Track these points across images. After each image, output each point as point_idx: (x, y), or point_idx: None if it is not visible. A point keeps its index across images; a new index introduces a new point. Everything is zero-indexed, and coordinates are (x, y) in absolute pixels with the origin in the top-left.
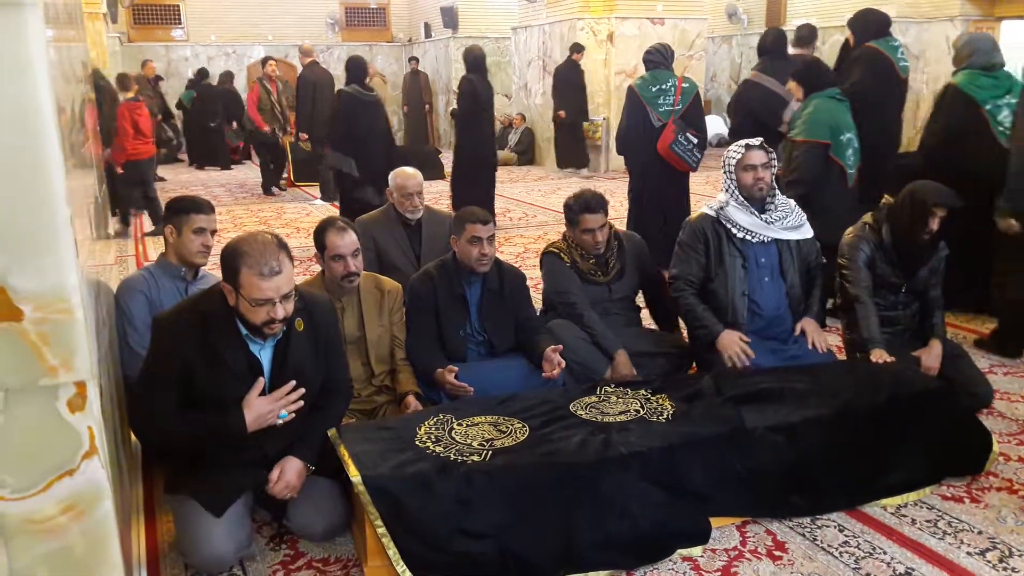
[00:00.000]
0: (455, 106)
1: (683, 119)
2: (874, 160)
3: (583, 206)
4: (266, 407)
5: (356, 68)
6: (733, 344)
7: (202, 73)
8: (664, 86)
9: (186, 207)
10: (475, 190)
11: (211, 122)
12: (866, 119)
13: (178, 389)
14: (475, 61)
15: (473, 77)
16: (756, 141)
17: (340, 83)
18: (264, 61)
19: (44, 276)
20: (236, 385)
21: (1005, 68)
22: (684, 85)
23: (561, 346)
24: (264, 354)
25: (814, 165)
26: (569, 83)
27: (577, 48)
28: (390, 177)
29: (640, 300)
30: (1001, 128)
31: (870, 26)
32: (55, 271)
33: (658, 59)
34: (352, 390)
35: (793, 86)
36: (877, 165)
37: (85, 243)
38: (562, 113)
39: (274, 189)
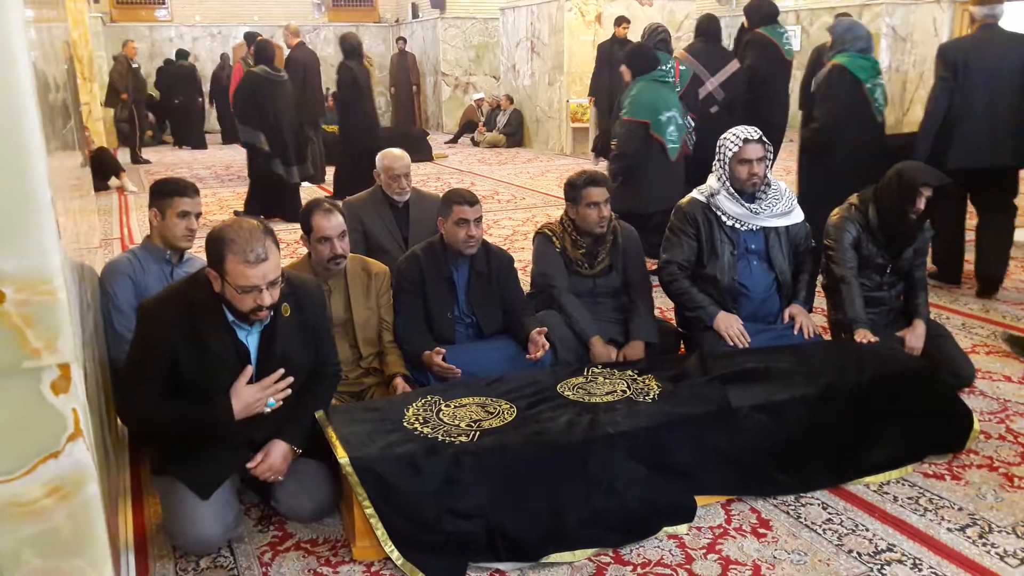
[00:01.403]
0: (335, 90)
1: (682, 101)
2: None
3: (587, 180)
4: (254, 395)
5: (265, 50)
6: (731, 325)
7: (180, 54)
8: (665, 67)
9: (170, 190)
10: (361, 175)
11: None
12: (759, 95)
13: (164, 377)
14: (352, 48)
15: (352, 64)
16: (755, 135)
17: (325, 64)
18: (251, 40)
19: (26, 258)
20: (223, 372)
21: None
22: (682, 68)
23: (546, 328)
24: (251, 340)
25: (634, 141)
26: (612, 63)
27: (621, 21)
28: (377, 158)
29: None
30: (877, 104)
31: (761, 14)
32: (37, 252)
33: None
34: (341, 373)
35: (624, 69)
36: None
37: (68, 225)
38: (591, 99)
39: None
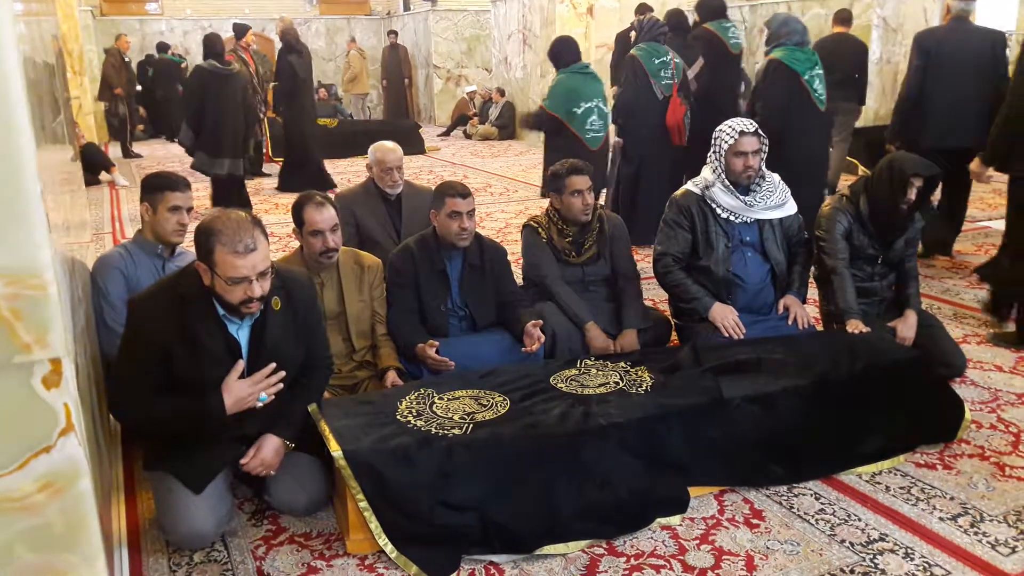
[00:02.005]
0: (276, 83)
1: (680, 92)
2: (718, 121)
3: (570, 169)
4: (246, 390)
5: (212, 44)
6: (727, 316)
7: (162, 47)
8: (665, 59)
9: (161, 184)
10: (306, 165)
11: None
12: (703, 89)
13: (156, 372)
14: (290, 43)
15: (291, 57)
16: (751, 127)
17: (316, 58)
18: (240, 32)
19: (16, 251)
20: (214, 366)
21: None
22: (676, 61)
23: (541, 321)
24: (242, 334)
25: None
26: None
27: (643, 9)
28: (370, 151)
29: None
30: (817, 95)
31: (710, 10)
32: (27, 246)
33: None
34: (333, 366)
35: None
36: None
37: (59, 219)
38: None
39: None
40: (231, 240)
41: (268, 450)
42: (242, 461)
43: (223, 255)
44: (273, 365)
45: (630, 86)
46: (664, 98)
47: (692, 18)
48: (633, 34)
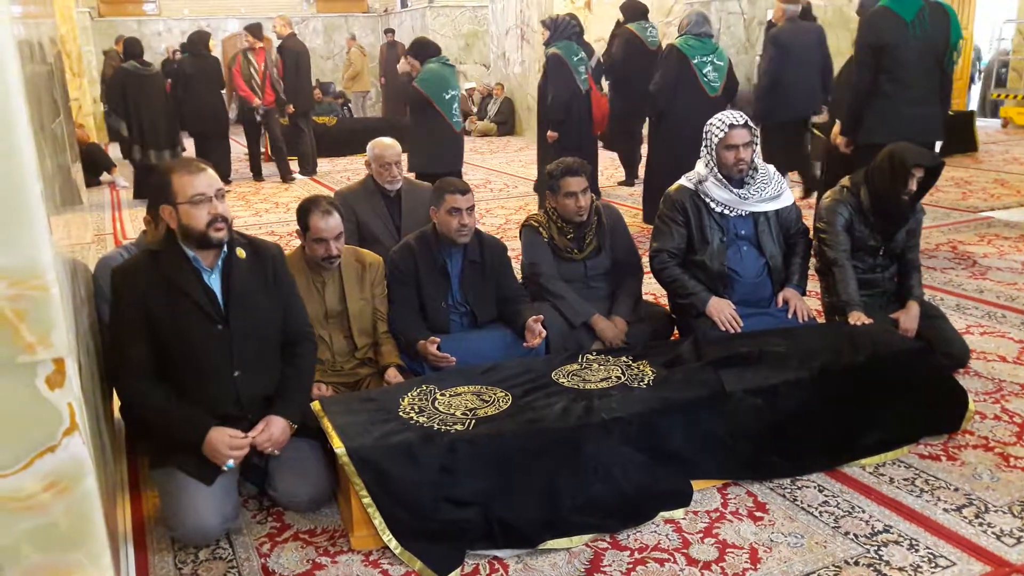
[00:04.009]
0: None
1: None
2: (636, 105)
3: (564, 170)
4: (227, 443)
5: (132, 47)
6: (724, 310)
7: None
8: (581, 55)
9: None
10: (211, 157)
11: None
12: (625, 76)
13: (146, 336)
14: (189, 43)
15: (184, 58)
16: (740, 120)
17: (314, 56)
18: (255, 32)
19: (17, 252)
20: (194, 317)
21: (713, 40)
22: (720, 63)
23: (542, 316)
24: (214, 282)
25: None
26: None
27: None
28: (368, 147)
29: None
30: (706, 80)
31: (632, 12)
32: (29, 247)
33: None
34: (314, 336)
35: (408, 59)
36: (639, 110)
37: (60, 220)
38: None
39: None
40: (183, 167)
41: (276, 427)
42: (251, 433)
43: (180, 180)
44: (261, 428)
45: (560, 83)
46: (586, 92)
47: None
48: (545, 33)
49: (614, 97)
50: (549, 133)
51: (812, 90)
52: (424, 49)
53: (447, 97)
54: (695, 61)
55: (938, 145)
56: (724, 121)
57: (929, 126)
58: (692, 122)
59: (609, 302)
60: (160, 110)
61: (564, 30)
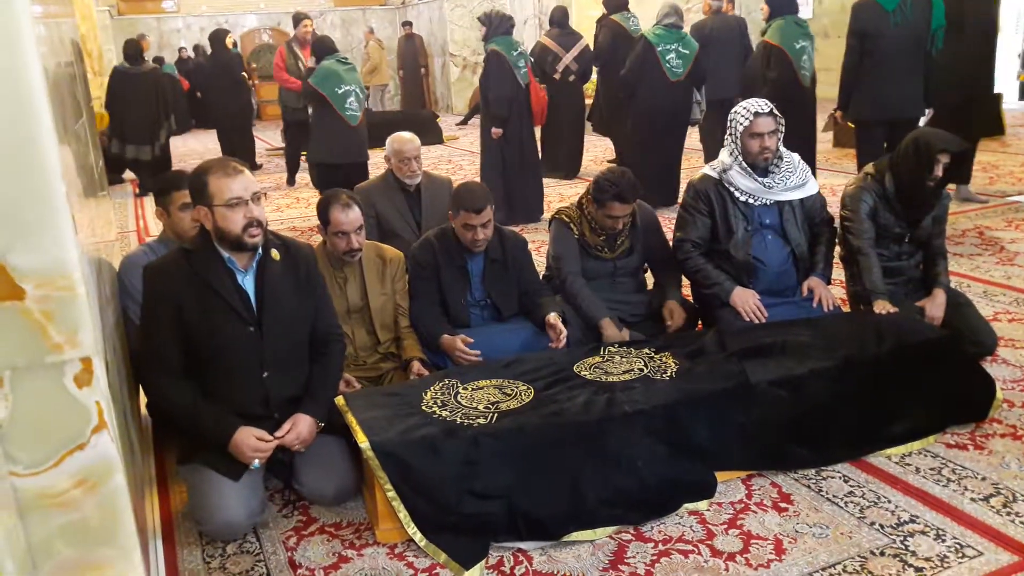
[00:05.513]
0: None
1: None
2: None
3: (615, 195)
4: (254, 444)
5: (127, 47)
6: (748, 300)
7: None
8: (520, 50)
9: (167, 186)
10: (235, 149)
11: None
12: (605, 68)
13: (177, 334)
14: (212, 40)
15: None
16: (765, 108)
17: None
18: (297, 21)
19: (44, 253)
20: (227, 317)
21: (682, 29)
22: (686, 51)
23: (563, 314)
24: (247, 283)
25: (310, 101)
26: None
27: None
28: (387, 142)
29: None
30: (669, 66)
31: (614, 2)
32: (55, 247)
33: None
34: (343, 337)
35: (307, 53)
36: (616, 93)
37: (84, 220)
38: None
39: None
40: (220, 167)
41: (303, 425)
42: (278, 433)
43: (216, 181)
44: (289, 426)
45: (501, 81)
46: (525, 85)
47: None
48: (483, 29)
49: (602, 83)
50: (493, 130)
51: (731, 76)
52: (321, 47)
53: (340, 92)
54: (659, 49)
55: (927, 115)
56: (749, 109)
57: (910, 103)
58: (655, 104)
59: (638, 296)
60: (144, 108)
61: (499, 26)
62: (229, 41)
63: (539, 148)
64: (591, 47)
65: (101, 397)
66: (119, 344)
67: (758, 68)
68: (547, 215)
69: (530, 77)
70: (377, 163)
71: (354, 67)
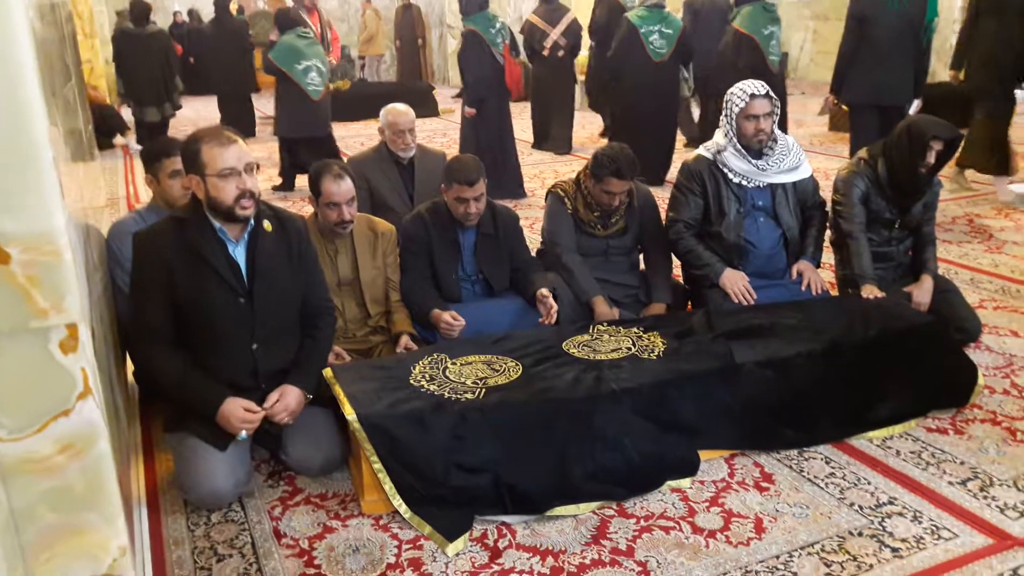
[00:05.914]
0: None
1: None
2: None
3: (614, 171)
4: (241, 414)
5: (133, 8)
6: (737, 282)
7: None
8: (497, 25)
9: (157, 152)
10: (235, 115)
11: None
12: (603, 43)
13: (167, 300)
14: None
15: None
16: (761, 90)
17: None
18: None
19: (30, 218)
20: (218, 286)
21: (665, 8)
22: (669, 31)
23: (553, 288)
24: (239, 254)
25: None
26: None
27: None
28: (381, 114)
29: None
30: (652, 47)
31: None
32: (41, 213)
33: None
34: (334, 310)
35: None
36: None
37: (72, 185)
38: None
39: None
40: (213, 137)
41: (291, 396)
42: (265, 404)
43: (209, 151)
44: (276, 396)
45: (480, 61)
46: (501, 63)
47: None
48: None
49: (595, 59)
50: (467, 110)
51: (710, 54)
52: (283, 20)
53: (300, 68)
54: (643, 30)
55: (915, 105)
56: (745, 91)
57: (900, 88)
58: (638, 83)
59: (631, 273)
60: (152, 69)
61: (474, 1)
62: (233, 7)
63: (532, 124)
64: (579, 20)
65: (87, 364)
66: (106, 311)
67: (729, 56)
68: (541, 191)
69: (505, 52)
70: (341, 136)
71: (315, 41)
